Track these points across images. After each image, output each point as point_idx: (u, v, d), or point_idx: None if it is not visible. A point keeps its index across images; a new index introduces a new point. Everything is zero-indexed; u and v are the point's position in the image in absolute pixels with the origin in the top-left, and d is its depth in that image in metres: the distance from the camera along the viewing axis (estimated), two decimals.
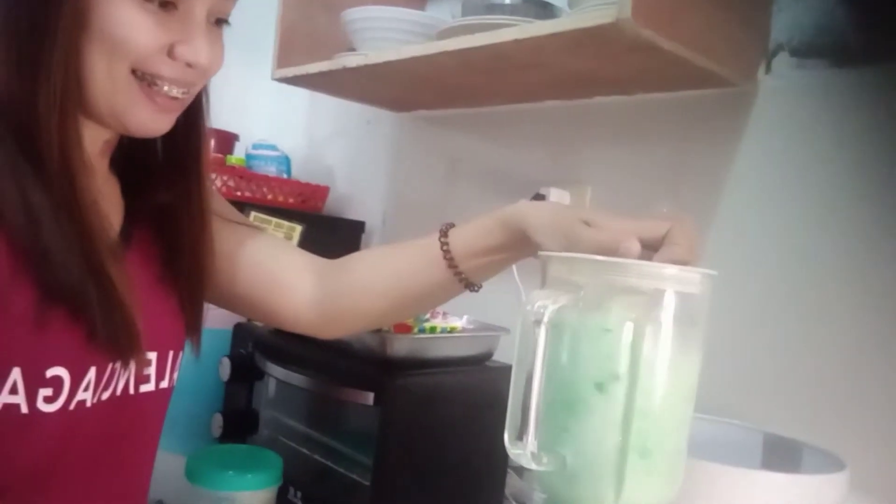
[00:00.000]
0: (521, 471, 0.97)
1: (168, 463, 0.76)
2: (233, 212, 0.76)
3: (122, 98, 0.57)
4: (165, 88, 0.59)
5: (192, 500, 0.82)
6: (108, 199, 0.65)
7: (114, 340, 0.58)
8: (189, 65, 0.58)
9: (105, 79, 0.56)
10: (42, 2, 0.53)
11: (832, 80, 0.87)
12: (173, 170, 0.67)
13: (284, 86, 1.35)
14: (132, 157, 0.68)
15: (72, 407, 0.58)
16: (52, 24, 0.53)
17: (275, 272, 0.73)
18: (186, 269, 0.68)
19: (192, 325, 0.70)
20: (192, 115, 0.66)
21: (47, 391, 0.56)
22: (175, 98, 0.60)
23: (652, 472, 0.49)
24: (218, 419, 1.01)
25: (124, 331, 0.58)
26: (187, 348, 0.71)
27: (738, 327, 0.92)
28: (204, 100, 0.67)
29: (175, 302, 0.68)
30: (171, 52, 0.57)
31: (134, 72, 0.57)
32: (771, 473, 0.63)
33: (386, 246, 0.76)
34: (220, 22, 0.62)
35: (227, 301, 0.74)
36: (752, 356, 0.91)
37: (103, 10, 0.54)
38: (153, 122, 0.60)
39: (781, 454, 0.75)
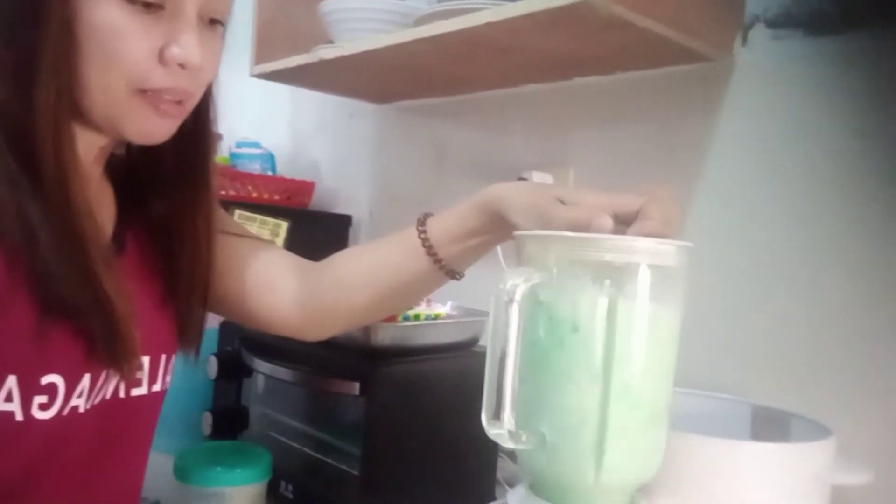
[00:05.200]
0: (514, 455, 0.97)
1: (158, 463, 0.75)
2: (224, 220, 0.75)
3: (118, 109, 0.56)
4: (166, 97, 0.57)
5: (181, 498, 0.81)
6: (102, 206, 0.64)
7: (112, 351, 0.58)
8: (181, 66, 0.56)
9: (100, 90, 0.55)
10: (29, 12, 0.53)
11: (809, 50, 0.87)
12: (179, 179, 0.66)
13: (266, 82, 1.34)
14: (133, 164, 0.68)
15: (65, 413, 0.57)
16: (40, 35, 0.52)
17: (260, 276, 0.72)
18: (187, 280, 0.67)
19: (192, 336, 0.70)
20: (201, 124, 0.65)
21: (42, 398, 0.56)
22: (177, 102, 0.58)
23: (632, 447, 0.49)
24: (207, 417, 1.00)
25: (122, 342, 0.58)
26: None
27: (724, 301, 0.92)
28: (211, 107, 0.66)
29: (167, 305, 0.67)
30: (161, 57, 0.55)
31: (135, 91, 0.56)
32: (756, 443, 0.63)
33: (368, 241, 0.75)
34: (214, 23, 0.59)
35: (211, 305, 0.73)
36: (738, 329, 0.91)
37: (88, 18, 0.53)
38: (154, 128, 0.58)
39: (770, 425, 0.75)
